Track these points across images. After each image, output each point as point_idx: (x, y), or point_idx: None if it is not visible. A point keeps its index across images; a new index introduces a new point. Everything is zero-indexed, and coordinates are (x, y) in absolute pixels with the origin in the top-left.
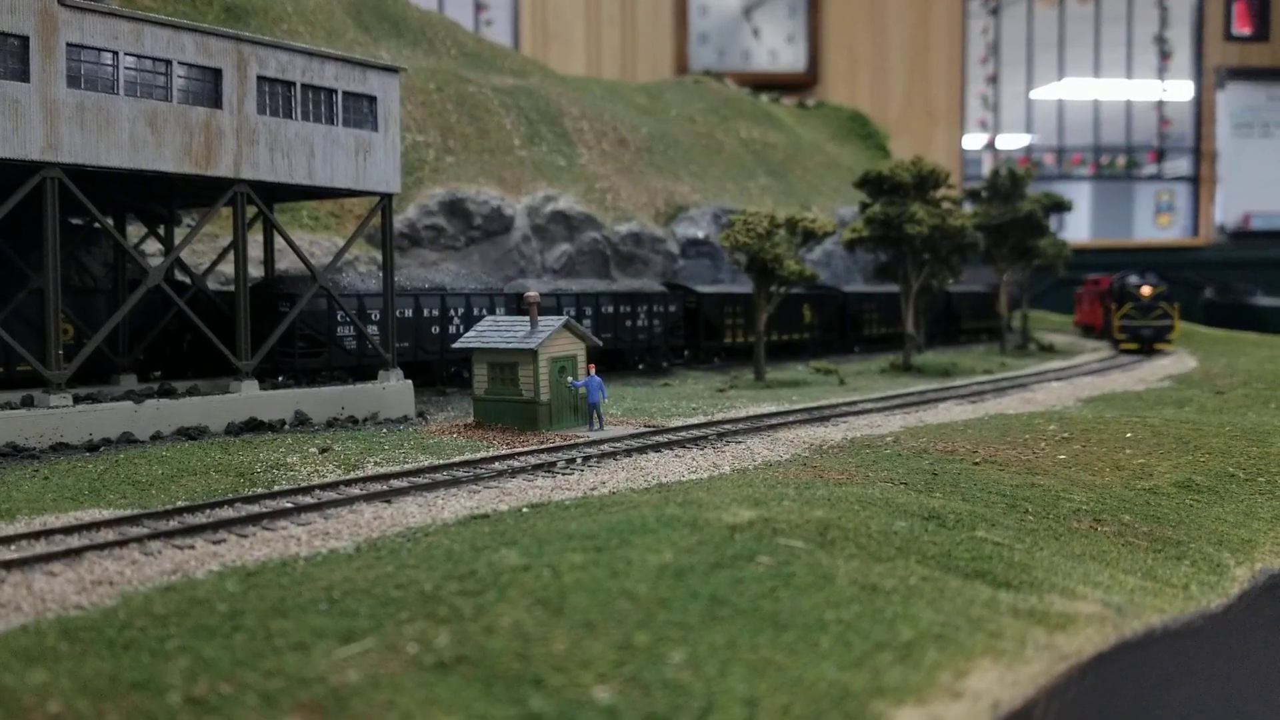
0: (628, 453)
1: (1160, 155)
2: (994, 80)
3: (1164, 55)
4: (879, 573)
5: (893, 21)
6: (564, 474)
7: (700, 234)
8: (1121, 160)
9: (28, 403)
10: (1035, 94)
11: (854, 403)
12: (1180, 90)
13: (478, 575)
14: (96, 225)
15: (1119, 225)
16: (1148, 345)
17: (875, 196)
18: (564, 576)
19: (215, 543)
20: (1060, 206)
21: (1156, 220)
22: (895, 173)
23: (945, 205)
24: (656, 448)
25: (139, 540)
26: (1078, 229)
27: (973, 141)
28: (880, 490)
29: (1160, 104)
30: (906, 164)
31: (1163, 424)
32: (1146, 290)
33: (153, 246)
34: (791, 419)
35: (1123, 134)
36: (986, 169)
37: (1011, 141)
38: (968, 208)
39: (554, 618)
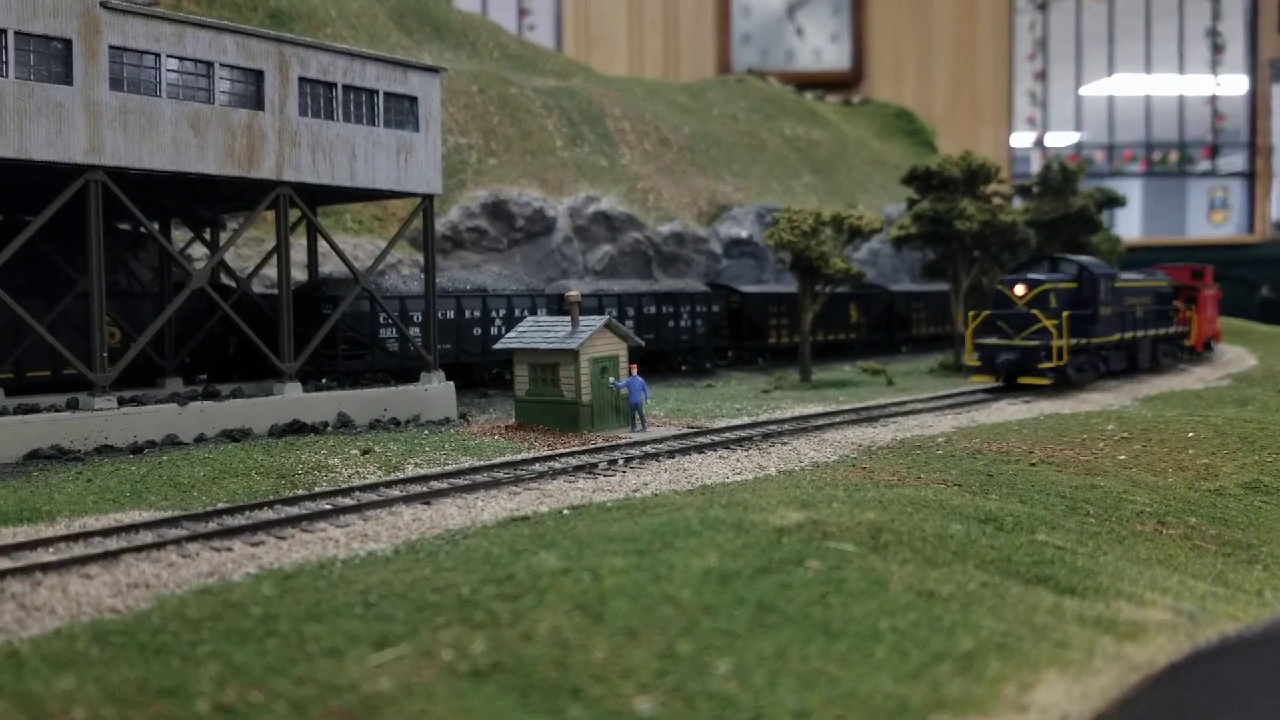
0: (670, 454)
1: (1214, 151)
2: (1042, 76)
3: (1217, 49)
4: (935, 578)
5: (938, 18)
6: (605, 475)
7: (743, 233)
8: (1174, 156)
9: (73, 405)
10: (1084, 90)
11: (903, 403)
12: (1234, 84)
13: (516, 579)
14: (143, 229)
15: (1171, 223)
16: (1007, 379)
17: (923, 192)
18: (604, 581)
19: (253, 545)
20: (1113, 202)
21: (1210, 217)
22: (944, 167)
23: (995, 201)
24: (700, 449)
25: (177, 542)
26: (1129, 227)
27: (1020, 139)
28: (933, 492)
29: (1214, 98)
30: (956, 159)
31: (1226, 423)
32: (1021, 290)
33: (199, 250)
34: (839, 420)
35: (1175, 130)
36: (1035, 167)
37: (1060, 139)
38: (1018, 203)
39: (594, 624)
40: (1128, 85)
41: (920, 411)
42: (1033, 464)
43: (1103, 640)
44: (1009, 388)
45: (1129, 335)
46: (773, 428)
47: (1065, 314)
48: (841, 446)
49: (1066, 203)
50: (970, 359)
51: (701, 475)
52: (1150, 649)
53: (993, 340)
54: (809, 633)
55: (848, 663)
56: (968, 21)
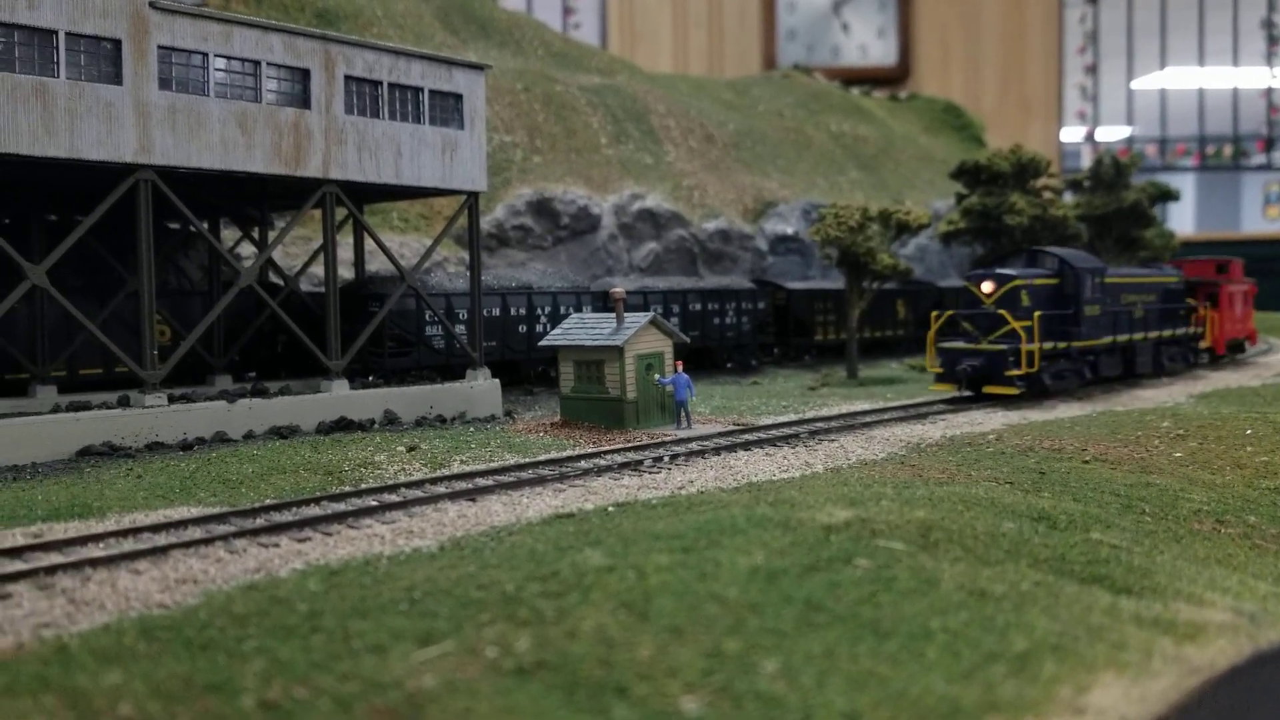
0: (716, 451)
1: (1269, 144)
2: (1093, 70)
3: (1272, 40)
4: (987, 577)
5: (986, 12)
6: (650, 473)
7: (789, 230)
8: (1228, 150)
9: (124, 402)
10: (1136, 84)
11: (952, 400)
12: None
13: (560, 576)
14: (192, 228)
15: (1225, 217)
16: (972, 387)
17: (972, 187)
18: (649, 578)
19: (300, 541)
20: (1167, 196)
21: (1265, 211)
22: (994, 162)
23: (1046, 195)
24: (746, 446)
25: (224, 538)
26: (1181, 221)
27: (1070, 133)
28: (984, 490)
29: (1269, 91)
30: (1005, 153)
31: None
32: (988, 287)
33: (248, 249)
34: (887, 416)
35: (1229, 123)
36: (1084, 162)
37: (1111, 133)
38: (1069, 198)
39: (639, 622)
40: (1180, 78)
41: (970, 408)
42: (1086, 461)
43: (1161, 641)
44: (977, 398)
45: (1124, 338)
46: (819, 425)
47: (1037, 314)
48: (890, 444)
49: (1119, 197)
50: (931, 364)
51: (747, 473)
52: (1210, 651)
53: (956, 344)
54: (858, 632)
55: (898, 663)
56: (1016, 15)
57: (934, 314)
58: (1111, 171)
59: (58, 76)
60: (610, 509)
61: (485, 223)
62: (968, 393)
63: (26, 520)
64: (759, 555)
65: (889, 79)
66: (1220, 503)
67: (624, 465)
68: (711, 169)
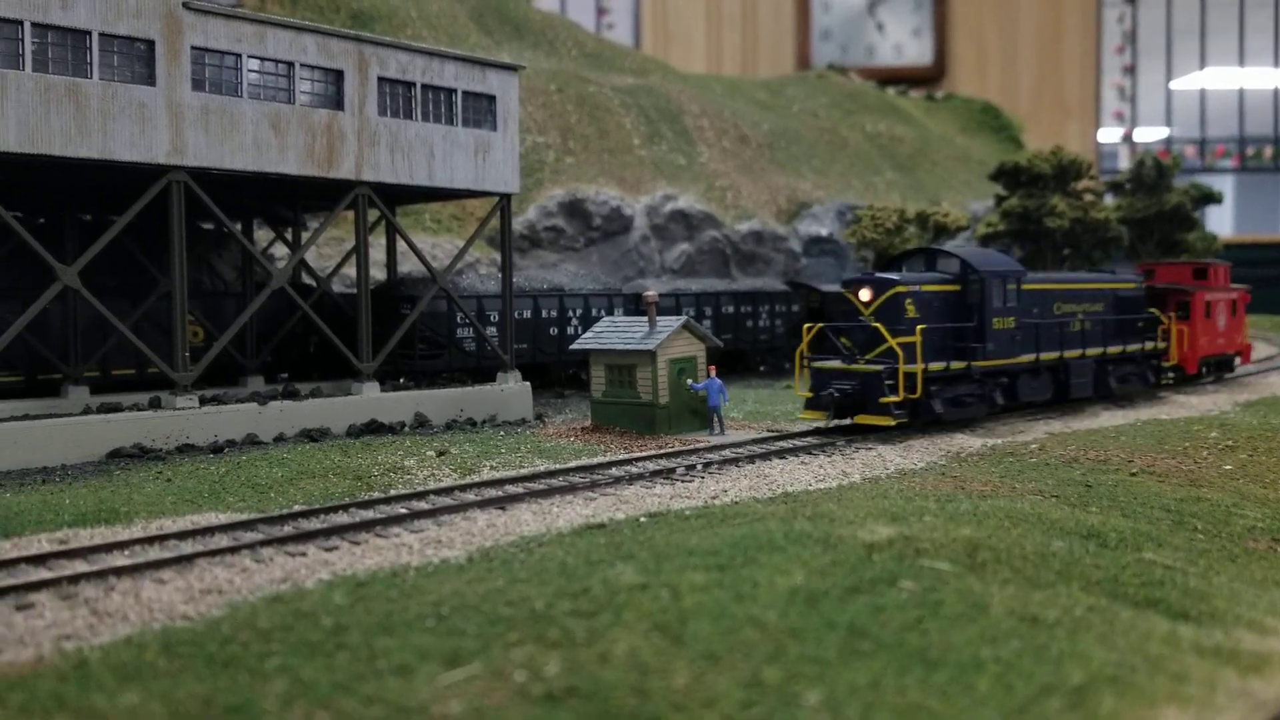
0: (750, 459)
1: None
2: (1131, 70)
3: None
4: (1039, 601)
5: (1023, 11)
6: (683, 481)
7: (823, 231)
8: (1268, 151)
9: (155, 404)
10: (1175, 84)
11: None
12: None
13: (591, 594)
14: (225, 230)
15: (1266, 219)
16: (845, 414)
17: (1012, 189)
18: (684, 599)
19: (327, 550)
20: (1209, 198)
21: None
22: (1034, 163)
23: (1087, 198)
24: (781, 454)
25: (251, 546)
26: (1221, 224)
27: (1108, 134)
28: (1030, 504)
29: None
30: (1046, 154)
31: None
32: (866, 295)
33: (281, 250)
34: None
35: (1270, 124)
36: (1122, 163)
37: (1149, 134)
38: (1109, 200)
39: (673, 646)
40: (1220, 78)
41: (1011, 416)
42: (1133, 474)
43: (1224, 673)
44: (853, 429)
45: (1052, 355)
46: (856, 433)
47: (921, 328)
48: (928, 453)
49: (1160, 199)
50: (799, 388)
51: (783, 482)
52: (1277, 685)
53: (829, 363)
54: (905, 661)
55: (948, 696)
56: (1053, 15)
57: (805, 326)
58: (1153, 173)
59: (91, 77)
60: (642, 519)
61: (517, 224)
62: (841, 421)
63: (53, 525)
64: (798, 575)
65: (924, 79)
66: (1275, 519)
67: (656, 473)
68: (745, 170)
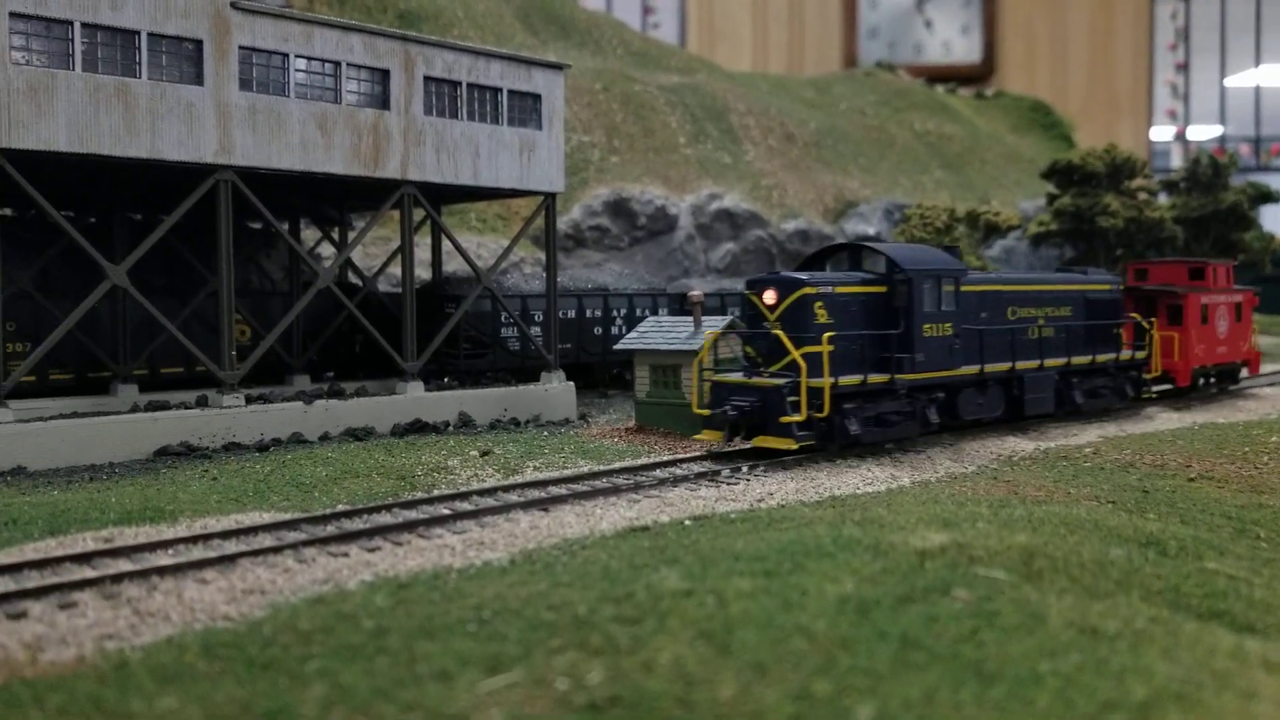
0: (797, 461)
1: None
2: (1184, 68)
3: None
4: (1098, 612)
5: (1073, 7)
6: (728, 484)
7: (871, 230)
8: None
9: (202, 403)
10: (1229, 81)
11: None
12: None
13: (635, 599)
14: (273, 229)
15: None
16: (743, 433)
17: (1064, 187)
18: (730, 606)
19: (370, 550)
20: (1267, 198)
21: None
22: (1087, 162)
23: (1141, 196)
24: (828, 456)
25: (294, 547)
26: (1275, 223)
27: (1160, 132)
28: (1086, 510)
29: None
30: (1099, 152)
31: None
32: (770, 298)
33: (328, 249)
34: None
35: None
36: (1175, 161)
37: (1203, 132)
38: (1163, 199)
39: (719, 656)
40: (1276, 75)
41: (1064, 419)
42: (1191, 479)
43: None
44: (758, 453)
45: (1001, 366)
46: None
47: (827, 336)
48: (980, 456)
49: (1216, 198)
50: (696, 403)
51: (830, 485)
52: None
53: (731, 375)
54: (960, 674)
55: (1006, 712)
56: (1104, 11)
57: (709, 333)
58: (1209, 172)
59: (139, 77)
60: (687, 522)
61: (562, 223)
62: (741, 444)
63: (99, 524)
64: (848, 583)
65: (972, 76)
66: None
67: (701, 475)
68: (791, 168)
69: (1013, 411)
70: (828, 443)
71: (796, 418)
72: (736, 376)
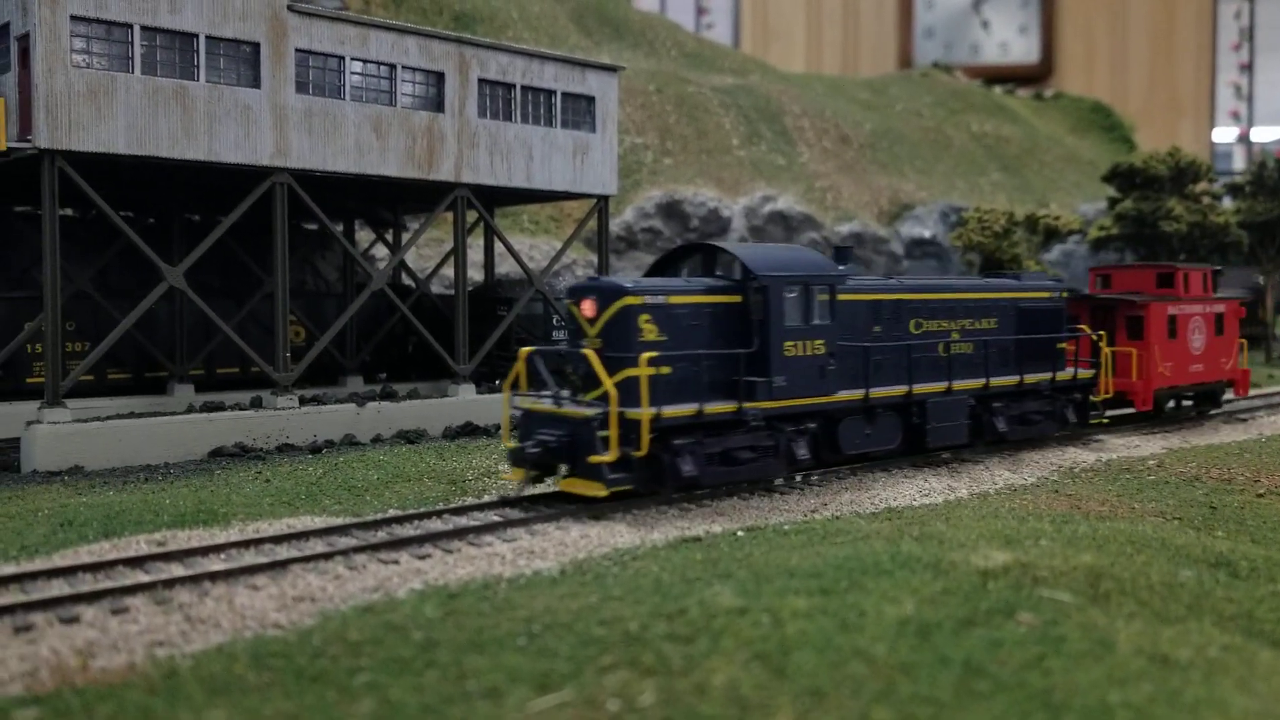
0: (850, 470)
1: None
2: (1248, 68)
3: None
4: (1169, 639)
5: (1133, 7)
6: (781, 493)
7: (926, 233)
8: None
9: (256, 404)
10: None
11: (1109, 419)
12: None
13: (688, 616)
14: (328, 231)
15: None
16: (540, 469)
17: (1125, 191)
18: (786, 626)
19: (420, 558)
20: None
21: None
22: (1149, 165)
23: (1205, 201)
24: (883, 465)
25: (345, 553)
26: None
27: (1223, 134)
28: (1152, 527)
29: None
30: (1162, 155)
31: None
32: (589, 309)
33: (382, 251)
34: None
35: None
36: (1238, 163)
37: (1268, 133)
38: (1227, 203)
39: (775, 679)
40: None
41: (1125, 429)
42: (1260, 495)
43: None
44: (582, 499)
45: (896, 391)
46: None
47: (647, 356)
48: (1039, 467)
49: None
50: (507, 436)
51: (885, 496)
52: None
53: (539, 403)
54: (1026, 704)
55: None
56: (1165, 11)
57: (521, 350)
58: (1275, 175)
59: (197, 80)
60: (740, 533)
61: (614, 225)
62: (532, 485)
63: (152, 526)
64: (908, 604)
65: (1030, 77)
66: None
67: (753, 484)
68: (846, 170)
69: (913, 443)
70: (657, 486)
71: (606, 457)
72: (547, 404)
